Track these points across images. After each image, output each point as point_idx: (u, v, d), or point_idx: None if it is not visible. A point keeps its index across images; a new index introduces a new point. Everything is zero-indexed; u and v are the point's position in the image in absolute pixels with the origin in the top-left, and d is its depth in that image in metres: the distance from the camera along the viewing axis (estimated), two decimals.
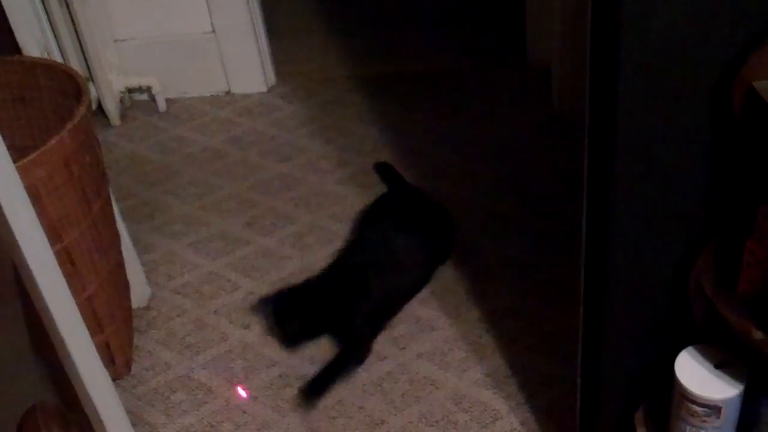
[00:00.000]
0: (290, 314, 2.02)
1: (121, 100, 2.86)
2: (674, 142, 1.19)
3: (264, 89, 2.94)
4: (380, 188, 2.42)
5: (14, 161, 1.23)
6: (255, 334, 2.05)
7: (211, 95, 2.94)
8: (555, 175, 2.42)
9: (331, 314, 2.00)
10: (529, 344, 1.96)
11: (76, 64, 2.61)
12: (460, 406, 1.85)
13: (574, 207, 1.42)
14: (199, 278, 2.22)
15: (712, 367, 1.30)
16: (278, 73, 2.98)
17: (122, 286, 1.95)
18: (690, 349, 1.33)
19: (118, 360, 1.93)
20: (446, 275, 2.15)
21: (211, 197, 2.48)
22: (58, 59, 2.51)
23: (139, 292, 2.12)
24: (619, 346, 1.44)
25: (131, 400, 1.91)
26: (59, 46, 2.56)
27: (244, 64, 2.89)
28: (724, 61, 1.10)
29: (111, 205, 1.90)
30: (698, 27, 1.09)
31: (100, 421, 1.50)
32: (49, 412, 0.86)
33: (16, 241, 1.26)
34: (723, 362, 1.30)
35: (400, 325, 2.03)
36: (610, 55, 1.14)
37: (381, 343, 1.99)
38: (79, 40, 2.66)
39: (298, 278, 2.11)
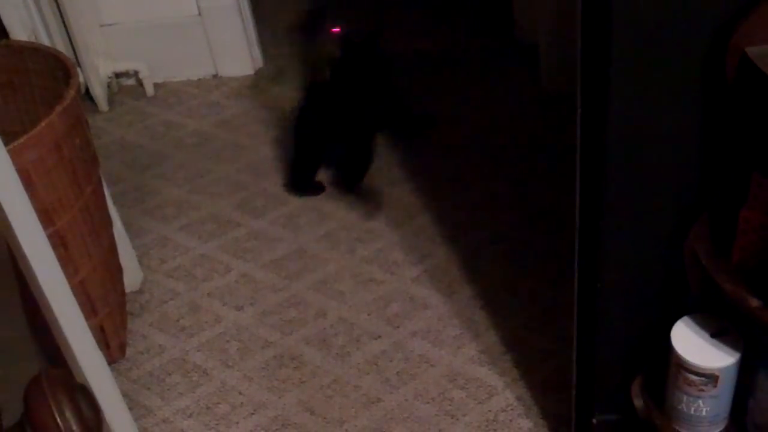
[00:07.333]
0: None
1: (109, 86, 2.85)
2: (667, 111, 1.19)
3: (251, 72, 2.93)
4: (372, 167, 2.43)
5: (4, 145, 1.23)
6: (249, 315, 2.05)
7: (199, 79, 2.92)
8: (545, 150, 2.42)
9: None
10: (524, 320, 1.96)
11: (63, 50, 2.58)
12: (455, 383, 1.85)
13: (565, 183, 1.42)
14: (192, 261, 2.21)
15: (708, 336, 1.30)
16: (265, 56, 2.97)
17: (115, 270, 1.95)
18: (686, 318, 1.33)
19: (112, 344, 1.92)
20: (439, 253, 2.15)
21: (202, 180, 2.48)
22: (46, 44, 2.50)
23: (132, 276, 2.11)
24: (614, 319, 1.45)
25: (126, 383, 1.91)
26: (47, 32, 2.54)
27: (231, 47, 2.88)
28: (717, 27, 1.10)
29: (102, 189, 1.89)
30: None
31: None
32: (55, 378, 0.85)
33: (10, 224, 1.25)
34: (719, 331, 1.30)
35: (394, 304, 2.03)
36: (601, 25, 1.13)
37: (374, 322, 2.00)
38: (65, 26, 2.64)
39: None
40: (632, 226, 1.33)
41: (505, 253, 2.13)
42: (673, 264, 1.33)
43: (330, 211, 2.32)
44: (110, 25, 2.82)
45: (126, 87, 2.91)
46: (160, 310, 2.09)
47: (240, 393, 1.88)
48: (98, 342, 1.51)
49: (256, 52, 2.93)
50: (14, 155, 1.30)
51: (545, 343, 1.90)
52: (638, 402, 1.46)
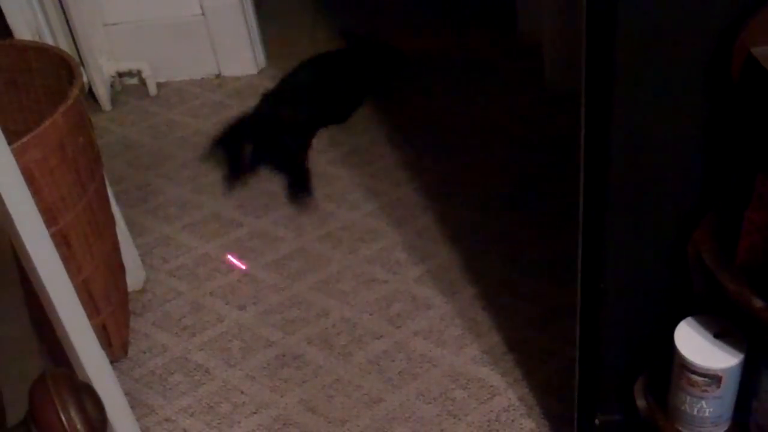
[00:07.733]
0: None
1: (112, 85, 2.85)
2: (672, 112, 1.19)
3: (254, 71, 2.92)
4: (375, 167, 2.43)
5: (8, 144, 1.23)
6: (251, 314, 2.05)
7: (202, 78, 2.92)
8: (548, 150, 2.42)
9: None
10: (526, 320, 1.96)
11: (66, 49, 2.59)
12: (457, 383, 1.85)
13: (568, 183, 1.41)
14: (194, 260, 2.21)
15: (711, 337, 1.30)
16: (268, 56, 2.97)
17: (118, 269, 1.95)
18: (689, 319, 1.33)
19: (114, 342, 1.92)
20: (441, 253, 2.15)
21: (204, 180, 2.48)
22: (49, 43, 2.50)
23: (134, 275, 2.11)
24: (618, 319, 1.44)
25: (129, 382, 1.91)
26: (50, 31, 2.54)
27: (234, 47, 2.88)
28: (722, 28, 1.10)
29: (105, 188, 1.89)
30: None
31: None
32: (60, 378, 0.85)
33: (13, 223, 1.25)
34: (722, 332, 1.30)
35: (396, 304, 2.03)
36: (606, 25, 1.13)
37: (376, 322, 1.99)
38: (69, 25, 2.64)
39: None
40: (636, 226, 1.33)
41: (508, 253, 2.13)
42: (677, 264, 1.33)
43: (332, 210, 2.32)
44: (114, 24, 2.82)
45: (129, 86, 2.91)
46: (163, 310, 2.09)
47: (242, 392, 1.88)
48: (101, 341, 1.51)
49: (260, 51, 2.93)
50: (18, 154, 1.30)
51: (548, 344, 1.90)
52: (641, 403, 1.46)
